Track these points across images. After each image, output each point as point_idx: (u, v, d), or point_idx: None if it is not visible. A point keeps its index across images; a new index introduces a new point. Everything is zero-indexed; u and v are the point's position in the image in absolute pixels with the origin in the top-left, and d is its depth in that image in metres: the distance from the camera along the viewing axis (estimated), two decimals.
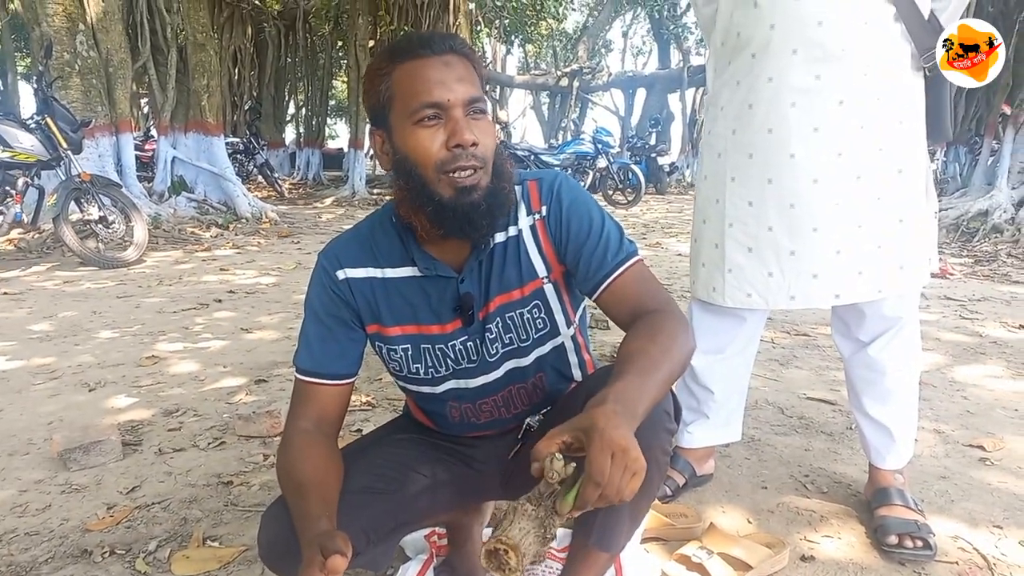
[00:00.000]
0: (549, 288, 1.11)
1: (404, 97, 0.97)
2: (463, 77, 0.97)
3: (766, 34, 1.39)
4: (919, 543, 1.39)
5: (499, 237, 1.09)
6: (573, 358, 1.18)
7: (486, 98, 1.02)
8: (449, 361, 1.13)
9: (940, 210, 6.68)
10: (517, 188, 1.11)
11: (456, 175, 0.97)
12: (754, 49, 1.42)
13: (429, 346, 1.12)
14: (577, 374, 1.19)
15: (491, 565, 0.79)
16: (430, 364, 1.13)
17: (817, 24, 1.35)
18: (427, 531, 1.43)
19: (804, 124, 1.39)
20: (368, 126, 1.11)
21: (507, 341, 1.12)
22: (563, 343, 1.16)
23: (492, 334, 1.11)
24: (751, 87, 1.44)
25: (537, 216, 1.10)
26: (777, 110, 1.41)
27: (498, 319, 1.10)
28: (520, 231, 1.10)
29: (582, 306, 1.20)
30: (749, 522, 1.57)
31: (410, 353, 1.13)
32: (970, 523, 1.54)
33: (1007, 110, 7.24)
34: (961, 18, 1.40)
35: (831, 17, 1.34)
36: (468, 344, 1.11)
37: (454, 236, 1.03)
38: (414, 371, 1.14)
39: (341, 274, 1.10)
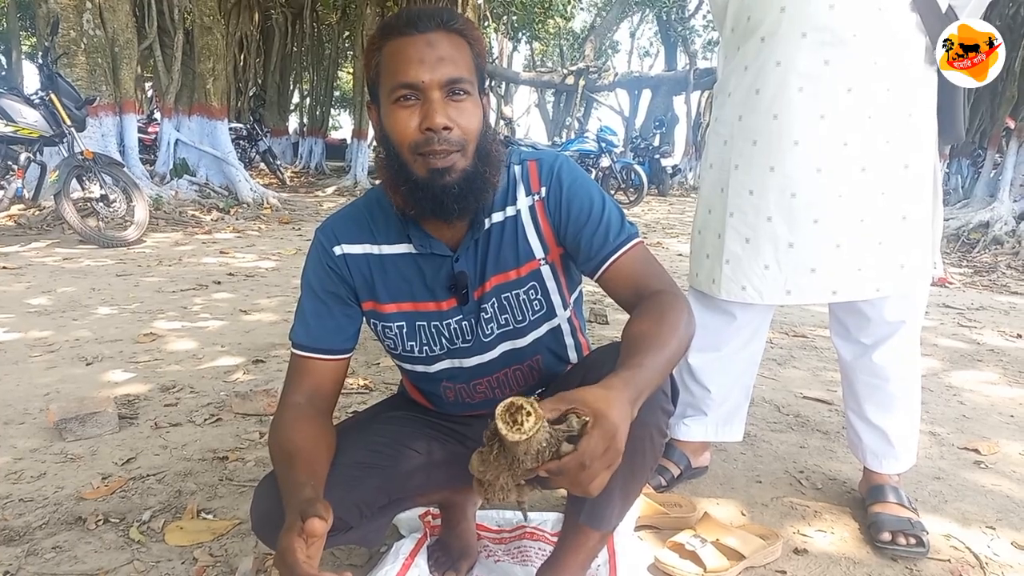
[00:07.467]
0: (546, 269, 1.11)
1: (387, 75, 0.97)
2: (447, 56, 0.95)
3: (776, 17, 1.37)
4: (912, 540, 1.39)
5: (497, 217, 1.08)
6: (569, 340, 1.18)
7: (475, 77, 0.99)
8: (444, 340, 1.12)
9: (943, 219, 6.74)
10: (516, 168, 1.10)
11: (429, 157, 0.96)
12: (763, 33, 1.40)
13: (424, 324, 1.12)
14: (573, 356, 1.19)
15: (504, 420, 0.76)
16: (424, 342, 1.13)
17: (828, 7, 1.32)
18: (421, 510, 1.43)
19: (810, 111, 1.36)
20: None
21: (503, 322, 1.11)
22: (559, 325, 1.15)
23: (487, 314, 1.10)
24: (759, 71, 1.42)
25: (536, 197, 1.09)
26: (784, 95, 1.38)
27: (494, 299, 1.10)
28: (519, 211, 1.09)
29: (578, 289, 1.20)
30: (743, 514, 1.57)
31: (405, 331, 1.12)
32: (963, 523, 1.55)
33: (1011, 124, 7.26)
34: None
35: (843, 1, 1.31)
36: (463, 323, 1.11)
37: (427, 216, 1.03)
38: (408, 349, 1.14)
39: (338, 250, 1.10)
